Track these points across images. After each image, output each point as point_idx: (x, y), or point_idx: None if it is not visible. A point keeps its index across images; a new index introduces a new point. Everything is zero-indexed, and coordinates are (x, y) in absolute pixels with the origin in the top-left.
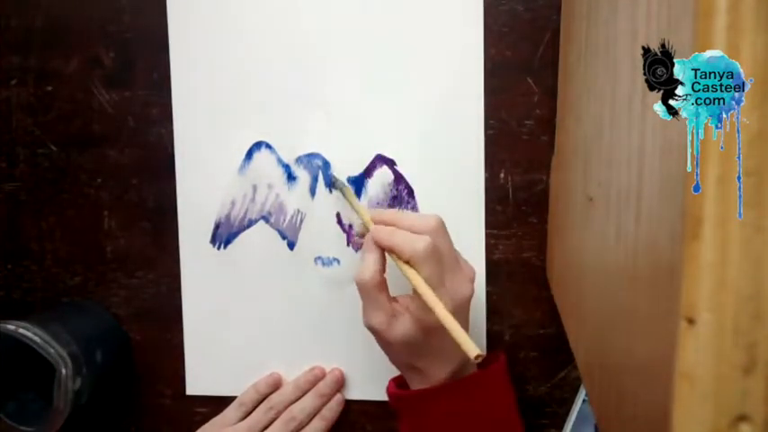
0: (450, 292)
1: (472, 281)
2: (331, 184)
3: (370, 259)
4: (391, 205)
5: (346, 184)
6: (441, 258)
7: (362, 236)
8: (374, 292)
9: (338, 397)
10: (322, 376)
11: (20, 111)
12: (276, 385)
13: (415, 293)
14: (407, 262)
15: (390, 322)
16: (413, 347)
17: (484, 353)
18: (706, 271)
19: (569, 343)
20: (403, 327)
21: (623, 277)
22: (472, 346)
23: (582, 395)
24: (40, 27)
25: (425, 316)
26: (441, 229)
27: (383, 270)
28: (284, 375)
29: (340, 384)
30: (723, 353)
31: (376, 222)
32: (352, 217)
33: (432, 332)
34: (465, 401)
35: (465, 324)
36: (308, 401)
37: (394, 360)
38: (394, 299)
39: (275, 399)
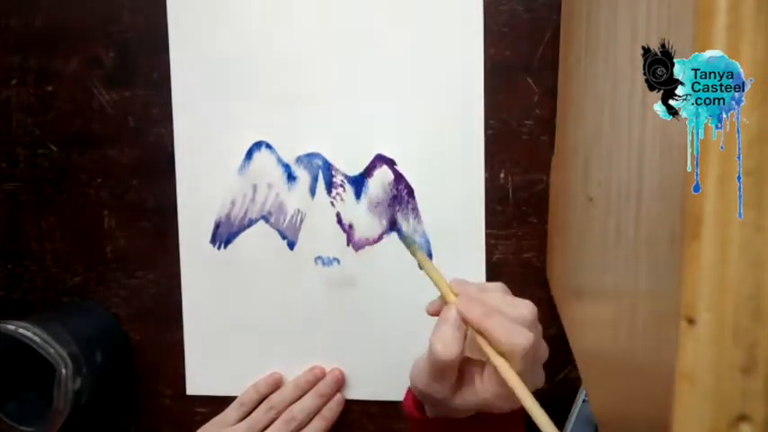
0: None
1: (546, 350)
2: (403, 238)
3: (455, 337)
4: (391, 205)
5: (421, 245)
6: (536, 354)
7: (435, 312)
8: (451, 371)
9: (338, 397)
10: (322, 376)
11: (20, 111)
12: (276, 385)
13: (493, 371)
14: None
15: (455, 390)
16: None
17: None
18: (706, 271)
19: (570, 343)
20: (470, 398)
21: (623, 277)
22: (550, 425)
23: (582, 395)
24: (41, 27)
25: (501, 390)
26: (536, 319)
27: (464, 348)
28: (284, 375)
29: (340, 384)
30: (723, 353)
31: (460, 293)
32: (353, 218)
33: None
34: None
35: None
36: (309, 401)
37: (422, 397)
38: (463, 369)
39: (275, 399)
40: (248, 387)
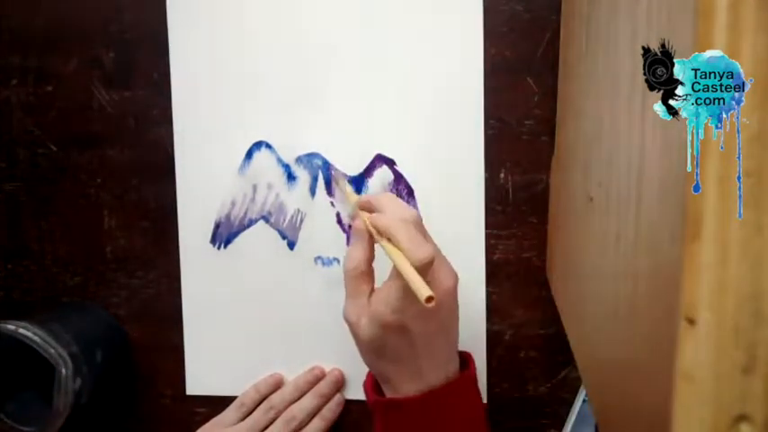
0: (435, 281)
1: (455, 277)
2: (330, 178)
3: (356, 247)
4: None
5: (343, 176)
6: (421, 229)
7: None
8: (355, 282)
9: (338, 397)
10: (322, 376)
11: (20, 111)
12: (277, 386)
13: (383, 286)
14: (378, 230)
15: (361, 317)
16: (374, 349)
17: (434, 296)
18: (706, 271)
19: (569, 343)
20: (368, 322)
21: (623, 277)
22: (422, 285)
23: (582, 395)
24: (41, 27)
25: (380, 310)
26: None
27: (369, 260)
28: (284, 375)
29: (340, 384)
30: (723, 353)
31: (363, 207)
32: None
33: (387, 335)
34: (438, 412)
35: (454, 319)
36: (308, 401)
37: (364, 362)
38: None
39: (275, 399)
40: (249, 387)
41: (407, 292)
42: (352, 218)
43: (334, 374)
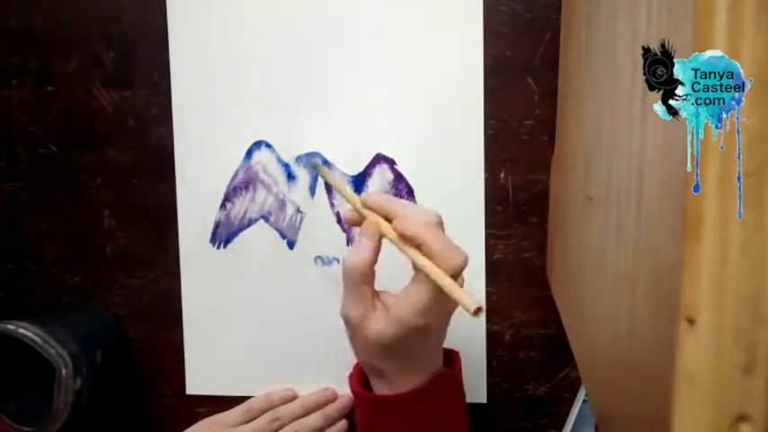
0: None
1: (466, 258)
2: (311, 167)
3: (365, 246)
4: None
5: (320, 163)
6: (442, 232)
7: (353, 223)
8: (360, 280)
9: (342, 423)
10: (332, 399)
11: (20, 111)
12: (288, 399)
13: (407, 291)
14: (406, 237)
15: (369, 316)
16: (385, 349)
17: (483, 305)
18: (706, 271)
19: (569, 343)
20: (381, 323)
21: (623, 277)
22: (469, 299)
23: (582, 395)
24: (41, 27)
25: (407, 315)
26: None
27: (374, 261)
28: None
29: (348, 410)
30: (723, 353)
31: (370, 208)
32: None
33: (410, 336)
34: (424, 411)
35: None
36: (314, 420)
37: (362, 358)
38: (377, 294)
39: (282, 411)
40: (260, 395)
41: (437, 297)
42: (347, 220)
43: (344, 401)
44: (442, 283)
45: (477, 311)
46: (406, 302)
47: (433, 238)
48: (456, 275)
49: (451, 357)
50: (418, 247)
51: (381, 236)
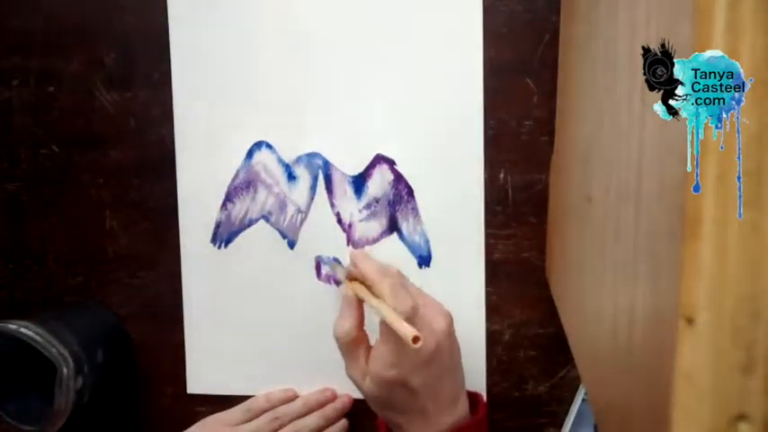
0: (427, 326)
1: (448, 317)
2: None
3: (346, 315)
4: (391, 205)
5: (336, 263)
6: (407, 286)
7: (339, 282)
8: (351, 344)
9: (343, 422)
10: (332, 399)
11: (21, 111)
12: (288, 400)
13: (376, 346)
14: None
15: (365, 375)
16: (379, 405)
17: (420, 335)
18: (705, 271)
19: (568, 342)
20: (367, 381)
21: (622, 277)
22: (407, 328)
23: (582, 395)
24: (42, 28)
25: (377, 369)
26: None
27: (361, 325)
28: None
29: (347, 410)
30: (722, 352)
31: (351, 276)
32: (353, 218)
33: (391, 390)
34: None
35: (455, 359)
36: (314, 420)
37: (375, 411)
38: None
39: (282, 410)
40: (260, 395)
41: (399, 345)
42: (336, 282)
43: (343, 401)
44: (388, 318)
45: (415, 340)
46: (375, 358)
47: (383, 284)
48: (408, 321)
49: (475, 401)
50: (370, 288)
51: (361, 300)
